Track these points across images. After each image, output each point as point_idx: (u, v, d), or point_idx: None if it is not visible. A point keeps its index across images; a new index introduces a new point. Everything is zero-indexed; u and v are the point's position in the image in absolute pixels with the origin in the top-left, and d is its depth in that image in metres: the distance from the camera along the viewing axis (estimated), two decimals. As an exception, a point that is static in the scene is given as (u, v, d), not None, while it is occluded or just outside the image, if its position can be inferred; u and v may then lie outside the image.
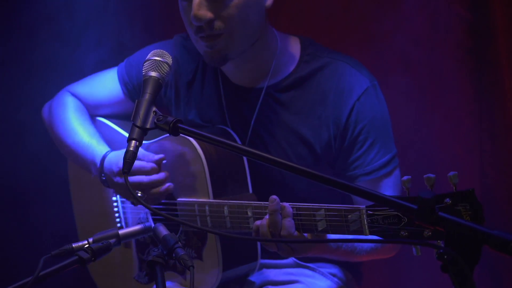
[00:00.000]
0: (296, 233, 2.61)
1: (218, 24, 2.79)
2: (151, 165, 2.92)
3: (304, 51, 3.01)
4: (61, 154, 3.37)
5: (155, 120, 2.39)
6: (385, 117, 2.95)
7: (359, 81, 2.92)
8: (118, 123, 3.30)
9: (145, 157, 2.94)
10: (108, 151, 3.06)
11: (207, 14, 2.77)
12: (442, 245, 2.02)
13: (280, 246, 2.66)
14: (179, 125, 2.34)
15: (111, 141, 3.21)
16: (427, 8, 3.50)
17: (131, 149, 2.38)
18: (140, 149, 2.86)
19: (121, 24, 3.89)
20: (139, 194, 2.92)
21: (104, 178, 3.05)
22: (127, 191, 2.92)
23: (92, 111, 3.32)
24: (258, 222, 2.67)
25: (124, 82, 3.23)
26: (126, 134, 3.14)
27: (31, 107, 3.74)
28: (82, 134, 3.18)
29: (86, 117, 3.26)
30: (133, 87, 3.22)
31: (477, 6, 3.43)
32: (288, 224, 2.60)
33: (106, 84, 3.28)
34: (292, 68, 3.00)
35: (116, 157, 2.98)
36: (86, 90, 3.31)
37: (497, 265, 3.51)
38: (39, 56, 3.89)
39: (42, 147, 3.75)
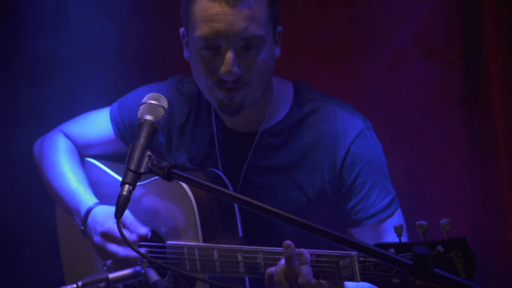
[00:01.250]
0: (314, 280, 2.55)
1: (244, 78, 2.79)
2: (134, 238, 2.91)
3: (297, 94, 3.00)
4: (49, 195, 3.35)
5: (150, 165, 2.42)
6: (381, 158, 2.94)
7: (352, 123, 2.92)
8: (108, 163, 3.28)
9: (131, 226, 2.93)
10: (94, 204, 3.05)
11: (238, 70, 2.76)
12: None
13: None
14: (173, 170, 2.37)
15: (100, 183, 3.19)
16: (422, 55, 3.51)
17: (124, 193, 2.40)
18: (131, 215, 2.86)
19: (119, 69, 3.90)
20: (109, 262, 2.95)
21: (82, 228, 3.05)
22: (104, 254, 2.97)
23: (83, 151, 3.30)
24: (272, 269, 2.62)
25: (116, 123, 3.21)
26: (115, 175, 3.22)
27: (18, 142, 3.72)
28: (70, 178, 3.17)
29: (76, 161, 3.25)
30: (124, 127, 3.20)
31: (471, 55, 3.45)
32: (307, 270, 2.54)
33: (98, 124, 3.26)
34: (285, 112, 2.99)
35: (103, 216, 2.97)
36: (78, 130, 3.29)
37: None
38: (25, 93, 3.88)
39: (29, 186, 3.71)
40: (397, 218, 2.90)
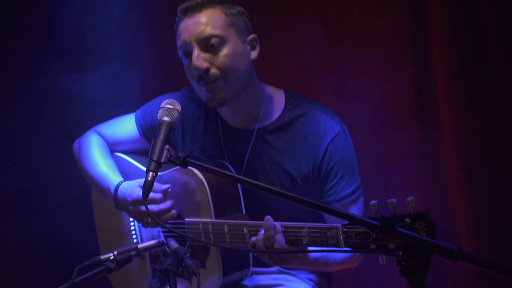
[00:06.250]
0: (286, 246, 2.71)
1: (213, 71, 2.92)
2: (159, 195, 2.99)
3: (287, 100, 3.12)
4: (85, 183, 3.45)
5: (168, 156, 2.54)
6: (352, 155, 3.08)
7: (331, 126, 3.04)
8: (134, 157, 3.37)
9: (154, 187, 2.95)
10: (121, 181, 3.13)
11: (203, 64, 2.91)
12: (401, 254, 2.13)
13: (272, 257, 2.76)
14: (188, 159, 2.49)
15: (128, 172, 3.29)
16: (381, 66, 3.64)
17: (149, 179, 2.52)
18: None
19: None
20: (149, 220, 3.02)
21: (115, 204, 3.13)
22: (139, 216, 3.04)
23: (113, 147, 3.41)
24: (254, 238, 2.77)
25: (140, 125, 3.34)
26: (141, 166, 3.25)
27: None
28: (102, 165, 3.26)
29: (107, 153, 3.35)
30: (147, 128, 3.32)
31: (421, 63, 3.55)
32: (280, 238, 2.71)
33: (125, 126, 3.38)
34: (278, 114, 3.11)
35: (129, 188, 3.05)
36: (109, 130, 3.41)
37: (438, 268, 3.58)
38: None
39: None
40: (360, 204, 3.06)
